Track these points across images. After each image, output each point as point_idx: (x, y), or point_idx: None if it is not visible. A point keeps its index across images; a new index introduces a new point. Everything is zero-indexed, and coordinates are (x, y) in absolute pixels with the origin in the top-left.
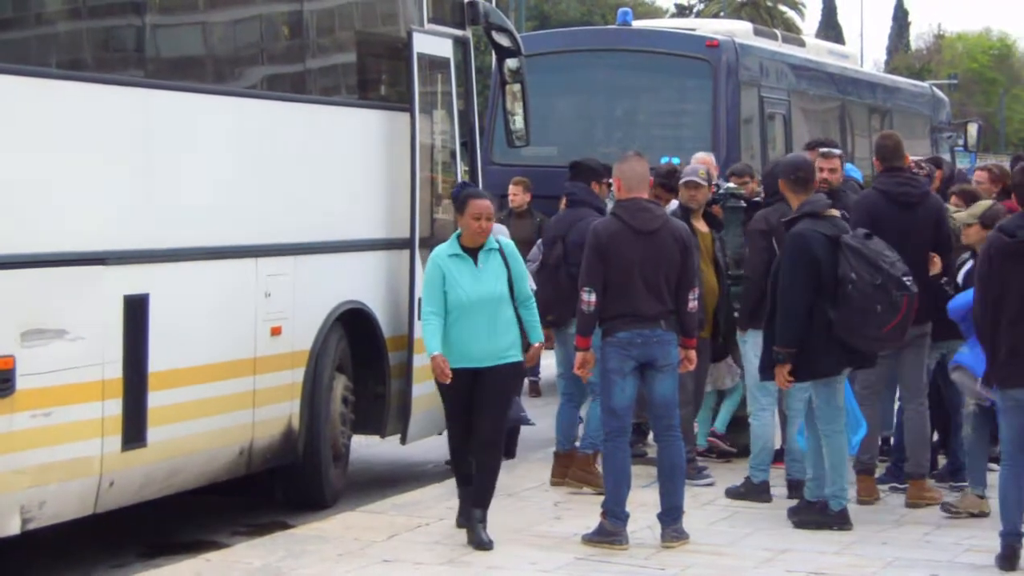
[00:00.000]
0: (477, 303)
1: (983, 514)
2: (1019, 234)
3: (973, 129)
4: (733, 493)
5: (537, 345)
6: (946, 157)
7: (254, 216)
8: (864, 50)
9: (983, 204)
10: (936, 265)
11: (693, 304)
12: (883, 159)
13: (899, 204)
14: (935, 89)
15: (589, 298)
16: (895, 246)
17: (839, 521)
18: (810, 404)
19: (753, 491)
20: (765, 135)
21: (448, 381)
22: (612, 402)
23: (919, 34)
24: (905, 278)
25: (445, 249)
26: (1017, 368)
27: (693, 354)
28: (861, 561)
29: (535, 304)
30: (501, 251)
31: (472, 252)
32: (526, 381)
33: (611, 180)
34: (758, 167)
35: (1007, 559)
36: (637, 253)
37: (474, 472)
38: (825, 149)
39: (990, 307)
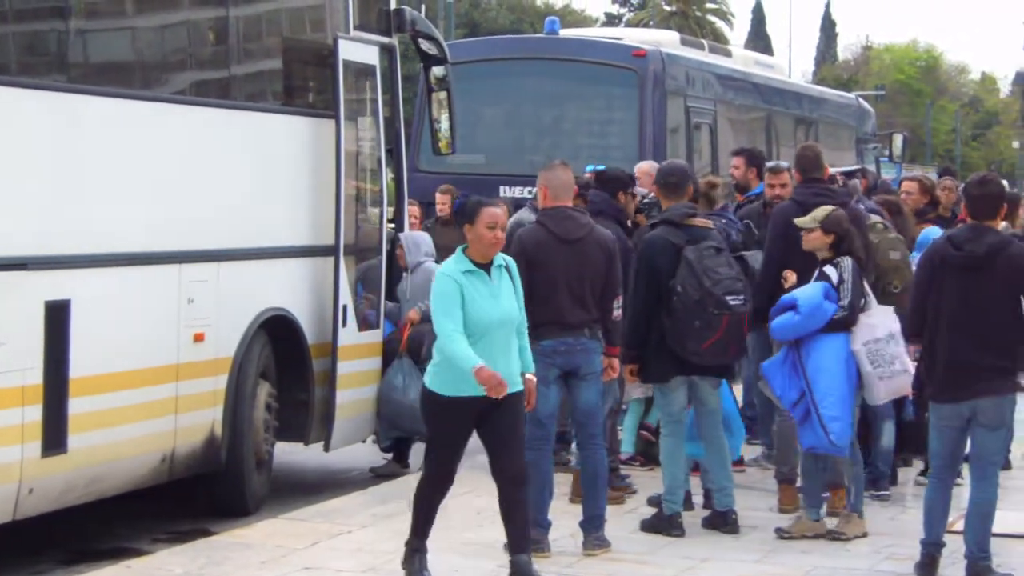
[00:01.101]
0: (497, 324)
1: (819, 536)
2: (967, 247)
3: (898, 140)
4: (655, 501)
5: (531, 376)
6: (871, 168)
7: (177, 222)
8: (792, 60)
9: (825, 209)
10: (789, 280)
11: (617, 313)
12: (803, 170)
13: None
14: (861, 100)
15: None
16: (808, 256)
17: (668, 526)
18: (695, 412)
19: None
20: (691, 144)
21: (504, 393)
22: (536, 410)
23: (847, 45)
24: (729, 297)
25: (455, 265)
26: (953, 382)
27: (616, 362)
28: (781, 569)
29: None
30: (507, 267)
31: (483, 268)
32: None
33: (635, 191)
34: None
35: (926, 567)
36: (562, 261)
37: (505, 512)
38: (773, 164)
39: (930, 318)
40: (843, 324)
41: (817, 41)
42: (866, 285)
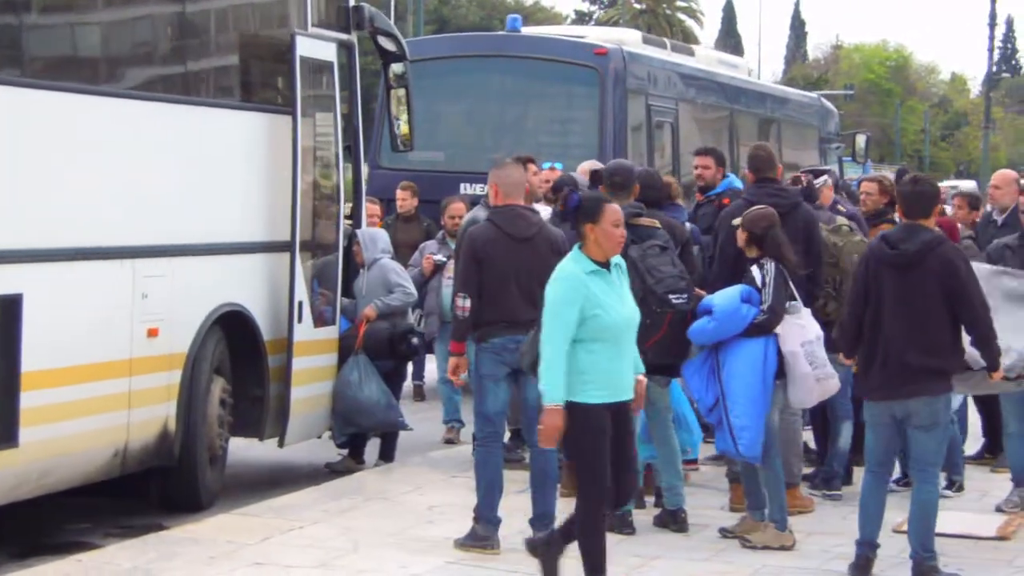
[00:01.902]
0: (625, 327)
1: (785, 548)
2: (901, 246)
3: (861, 140)
4: None
5: (642, 377)
6: (834, 167)
7: (131, 217)
8: (762, 60)
9: (755, 208)
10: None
11: None
12: (755, 170)
13: None
14: (824, 100)
15: (464, 304)
16: None
17: (619, 525)
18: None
19: None
20: (652, 143)
21: (554, 446)
22: (485, 407)
23: (817, 44)
24: (672, 296)
25: (578, 266)
26: (887, 381)
27: None
28: (730, 568)
29: None
30: (619, 267)
31: (604, 267)
32: (411, 385)
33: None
34: None
35: (859, 568)
36: (512, 259)
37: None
38: None
39: (868, 317)
40: (764, 328)
41: (787, 40)
42: (793, 289)
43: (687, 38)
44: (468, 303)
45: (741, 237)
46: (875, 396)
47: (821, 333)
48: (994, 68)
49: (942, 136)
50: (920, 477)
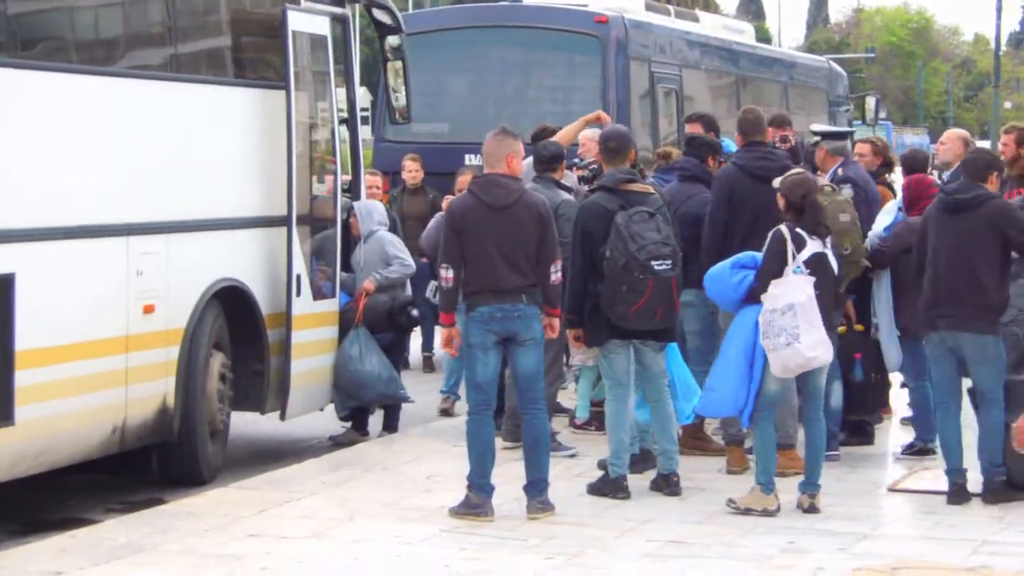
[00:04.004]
0: None
1: (767, 512)
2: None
3: (871, 102)
4: (604, 464)
5: None
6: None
7: (125, 195)
8: (783, 25)
9: (790, 175)
10: None
11: (555, 277)
12: (744, 133)
13: (756, 178)
14: (832, 63)
15: (447, 274)
16: (752, 221)
17: (613, 489)
18: (638, 376)
19: None
20: (656, 111)
21: None
22: (475, 376)
23: (838, 8)
24: (654, 262)
25: None
26: (941, 314)
27: (556, 323)
28: (721, 529)
29: None
30: None
31: None
32: (419, 356)
33: (723, 158)
34: (651, 143)
35: (955, 495)
36: (492, 228)
37: None
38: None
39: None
40: (753, 294)
41: (808, 5)
42: (791, 254)
43: (707, 7)
44: (451, 273)
45: (781, 202)
46: (933, 327)
47: (797, 302)
48: (1017, 28)
49: (965, 97)
50: (983, 405)
